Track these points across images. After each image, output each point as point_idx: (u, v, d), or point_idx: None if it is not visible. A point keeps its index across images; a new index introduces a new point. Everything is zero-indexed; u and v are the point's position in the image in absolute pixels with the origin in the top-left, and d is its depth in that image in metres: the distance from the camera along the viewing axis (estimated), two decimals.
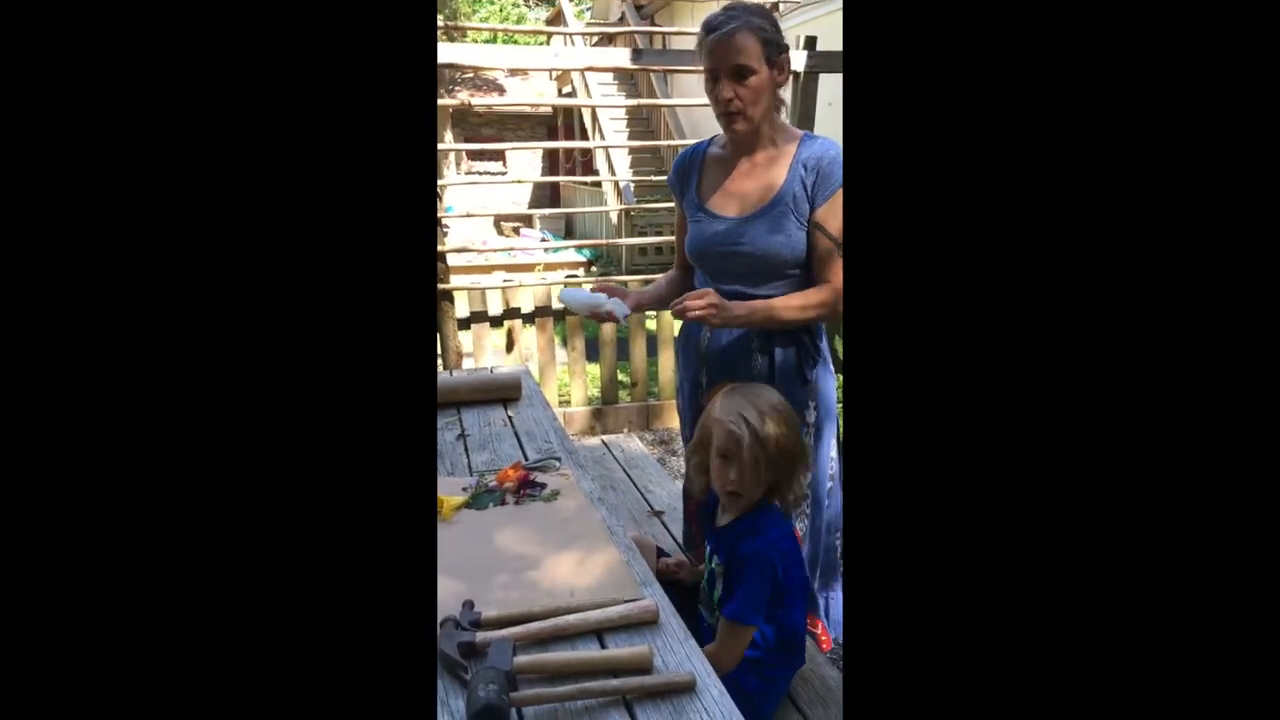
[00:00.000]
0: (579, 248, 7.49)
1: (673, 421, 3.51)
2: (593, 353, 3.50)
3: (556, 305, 3.22)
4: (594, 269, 7.94)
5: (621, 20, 9.48)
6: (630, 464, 2.30)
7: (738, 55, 1.27)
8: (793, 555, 1.21)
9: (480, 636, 0.96)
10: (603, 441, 2.63)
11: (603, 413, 3.35)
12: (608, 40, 9.94)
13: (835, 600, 1.51)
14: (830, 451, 1.45)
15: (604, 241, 4.49)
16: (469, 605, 1.04)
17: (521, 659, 0.91)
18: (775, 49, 1.29)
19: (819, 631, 1.46)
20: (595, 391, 3.56)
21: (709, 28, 1.30)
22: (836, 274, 1.33)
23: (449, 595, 1.08)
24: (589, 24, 10.08)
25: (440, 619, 0.99)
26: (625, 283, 3.53)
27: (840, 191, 1.31)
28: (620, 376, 3.43)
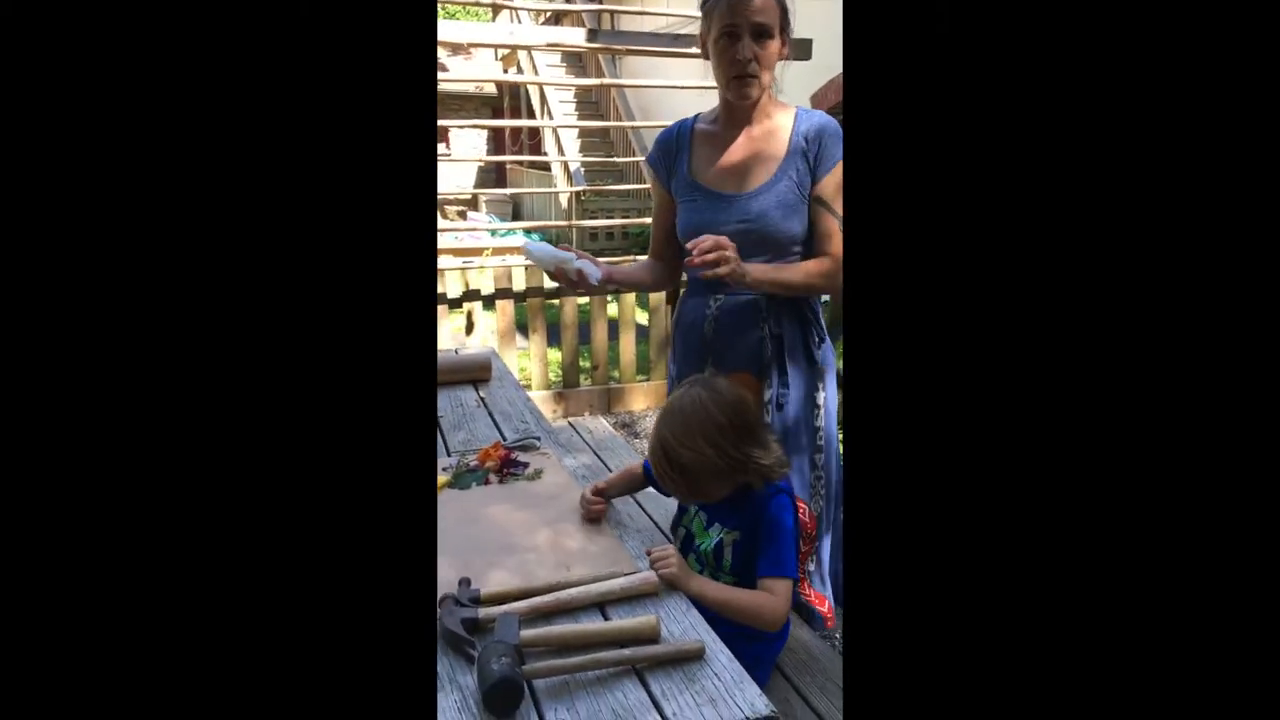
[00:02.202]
0: (528, 231, 7.42)
1: (634, 404, 3.52)
2: (553, 336, 3.47)
3: (518, 287, 3.17)
4: None
5: None
6: (600, 446, 2.30)
7: (761, 14, 1.24)
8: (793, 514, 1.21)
9: (484, 612, 0.95)
10: (570, 423, 2.62)
11: (564, 396, 3.33)
12: (555, 19, 9.77)
13: (840, 572, 1.53)
14: (835, 425, 1.45)
15: (554, 224, 4.44)
16: (466, 582, 1.02)
17: (527, 633, 0.90)
18: (787, 17, 1.28)
19: (824, 609, 1.47)
20: (555, 375, 3.54)
21: None
22: (838, 248, 1.32)
23: (443, 573, 1.06)
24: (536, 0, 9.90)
25: (439, 597, 0.98)
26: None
27: (841, 164, 1.30)
28: (581, 361, 3.41)
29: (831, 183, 1.31)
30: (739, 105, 1.32)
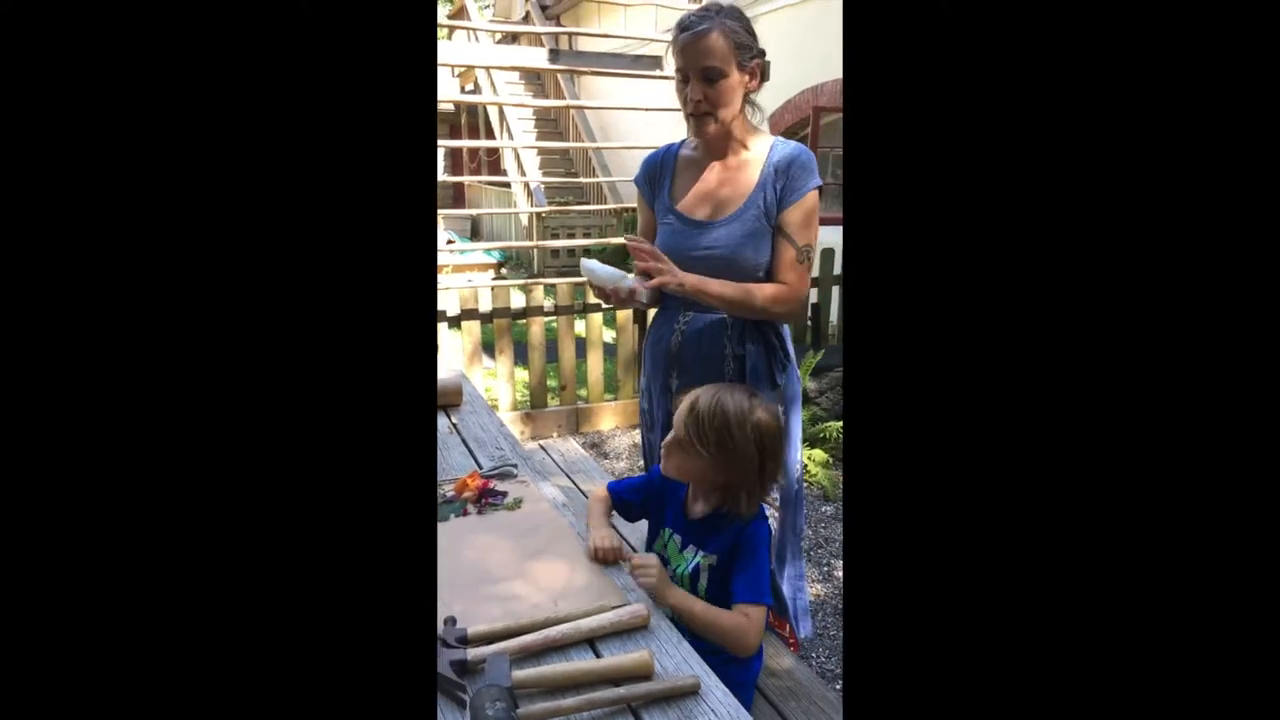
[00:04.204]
0: (488, 249, 7.39)
1: (602, 424, 3.50)
2: (519, 357, 3.44)
3: (484, 308, 3.14)
4: (504, 270, 7.81)
5: (526, 19, 9.35)
6: (572, 468, 2.27)
7: (708, 57, 1.27)
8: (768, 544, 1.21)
9: (473, 653, 0.92)
10: (541, 446, 2.59)
11: (532, 417, 3.30)
12: (511, 39, 9.77)
13: (801, 595, 1.54)
14: (797, 452, 1.47)
15: (514, 244, 4.42)
16: (451, 621, 1.00)
17: (519, 673, 0.88)
18: (747, 52, 1.30)
19: (785, 633, 1.49)
20: (521, 396, 3.50)
21: (682, 27, 1.29)
22: (795, 276, 1.35)
23: None
24: (492, 20, 9.87)
25: None
26: (558, 287, 3.48)
27: (808, 196, 1.33)
28: (548, 381, 3.38)
29: (796, 213, 1.34)
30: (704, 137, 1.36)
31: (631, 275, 1.39)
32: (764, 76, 1.37)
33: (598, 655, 0.96)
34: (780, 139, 1.39)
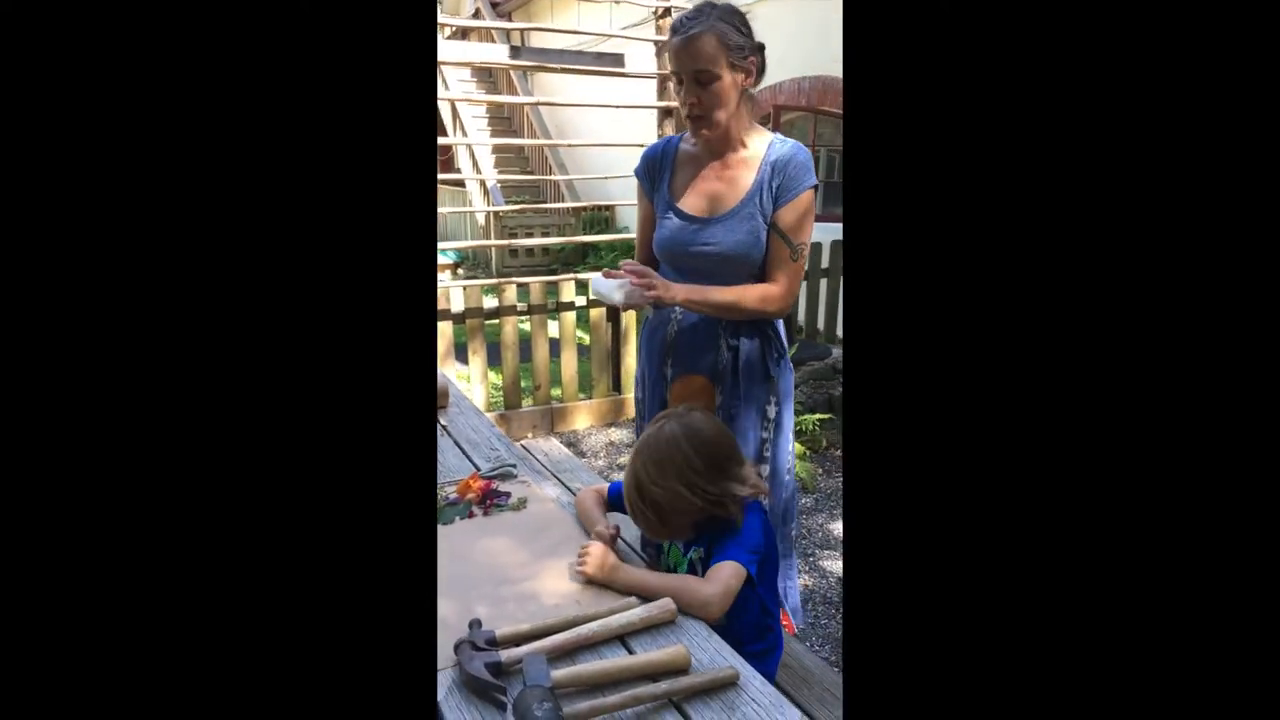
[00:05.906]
0: (443, 249, 7.27)
1: (577, 423, 3.48)
2: (492, 357, 3.39)
3: (456, 308, 3.09)
4: (460, 271, 7.70)
5: (476, 15, 9.21)
6: (557, 468, 2.26)
7: (698, 60, 1.26)
8: (770, 539, 1.21)
9: (505, 654, 0.91)
10: (523, 446, 2.56)
11: (506, 418, 3.26)
12: (461, 34, 9.62)
13: (792, 588, 1.56)
14: (788, 444, 1.49)
15: (476, 243, 4.36)
16: (477, 624, 0.98)
17: (557, 673, 0.87)
18: (740, 52, 1.29)
19: (784, 622, 1.50)
20: (494, 397, 3.46)
21: (674, 30, 1.29)
22: (786, 274, 1.36)
23: (449, 614, 1.01)
24: (442, 15, 9.72)
25: (454, 642, 0.93)
26: (530, 287, 3.44)
27: (803, 195, 1.34)
28: (521, 381, 3.35)
29: (791, 211, 1.35)
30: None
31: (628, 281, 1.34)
32: (761, 71, 1.38)
33: (630, 651, 0.96)
34: (779, 136, 1.39)
